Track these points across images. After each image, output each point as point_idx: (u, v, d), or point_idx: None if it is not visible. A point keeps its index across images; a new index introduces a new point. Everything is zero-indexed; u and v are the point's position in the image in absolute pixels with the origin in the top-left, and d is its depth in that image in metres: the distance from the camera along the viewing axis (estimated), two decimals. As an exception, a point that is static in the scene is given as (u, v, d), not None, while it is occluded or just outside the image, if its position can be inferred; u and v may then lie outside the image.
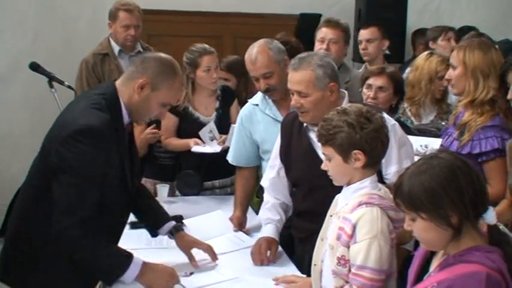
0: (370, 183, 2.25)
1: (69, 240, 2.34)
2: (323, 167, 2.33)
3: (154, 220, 2.87)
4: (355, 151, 2.19)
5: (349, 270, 2.17)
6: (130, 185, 2.57)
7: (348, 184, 2.28)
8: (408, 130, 3.45)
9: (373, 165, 2.26)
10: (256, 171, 3.43)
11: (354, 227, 2.15)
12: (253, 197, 3.72)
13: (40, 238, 2.42)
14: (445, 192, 1.72)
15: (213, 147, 3.73)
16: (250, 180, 3.36)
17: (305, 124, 2.80)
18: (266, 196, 3.04)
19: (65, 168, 2.32)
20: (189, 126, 3.84)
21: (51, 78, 3.90)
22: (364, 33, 4.69)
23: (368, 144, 2.18)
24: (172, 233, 2.82)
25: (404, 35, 5.94)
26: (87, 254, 2.36)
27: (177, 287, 2.49)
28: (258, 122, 3.26)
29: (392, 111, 3.52)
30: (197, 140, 3.78)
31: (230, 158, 3.43)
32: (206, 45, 3.87)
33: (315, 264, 2.41)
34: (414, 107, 3.72)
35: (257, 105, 3.27)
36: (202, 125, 3.84)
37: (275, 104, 3.24)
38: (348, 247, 2.17)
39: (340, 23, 4.07)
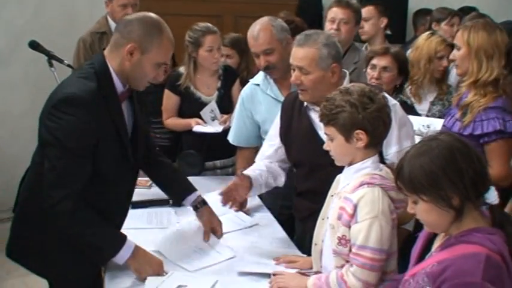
0: (372, 164, 2.25)
1: (61, 215, 2.31)
2: (325, 147, 2.33)
3: (178, 191, 2.92)
4: (358, 131, 2.19)
5: (350, 250, 2.19)
6: (130, 153, 2.52)
7: (350, 164, 2.29)
8: (411, 110, 3.45)
9: (375, 146, 2.27)
10: (257, 152, 3.41)
11: (355, 207, 2.16)
12: None
13: (45, 215, 2.40)
14: (444, 174, 1.73)
15: (214, 127, 3.74)
16: (250, 160, 3.31)
17: (305, 104, 2.78)
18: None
19: (52, 141, 2.29)
20: (190, 106, 3.84)
21: (51, 57, 3.88)
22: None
23: (370, 124, 2.18)
24: (197, 208, 2.86)
25: (405, 15, 5.91)
26: (80, 229, 2.35)
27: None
28: (259, 103, 3.25)
29: (397, 91, 3.51)
30: (198, 120, 3.78)
31: (231, 138, 3.44)
32: (209, 25, 3.85)
33: (315, 244, 2.43)
34: (414, 87, 3.72)
35: (258, 85, 3.26)
36: (203, 104, 3.84)
37: (276, 84, 3.23)
38: (349, 227, 2.18)
39: (351, 3, 4.04)
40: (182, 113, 3.91)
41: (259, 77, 3.31)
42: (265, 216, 3.18)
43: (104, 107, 2.36)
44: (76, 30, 4.79)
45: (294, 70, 2.73)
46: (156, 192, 3.44)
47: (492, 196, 1.77)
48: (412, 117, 3.05)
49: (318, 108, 2.70)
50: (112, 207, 2.51)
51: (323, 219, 2.40)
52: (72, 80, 2.41)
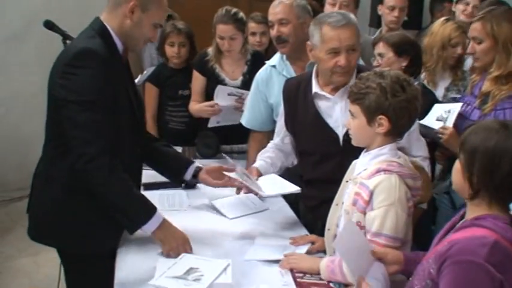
0: (389, 151, 2.23)
1: (99, 171, 2.31)
2: (346, 124, 2.33)
3: (175, 167, 2.90)
4: (381, 116, 2.17)
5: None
6: (138, 115, 2.57)
7: (367, 150, 2.27)
8: (432, 94, 3.39)
9: (396, 134, 2.24)
10: (270, 135, 3.36)
11: (371, 194, 2.15)
12: None
13: (62, 186, 2.42)
14: (481, 158, 1.74)
15: (231, 118, 3.69)
16: (264, 143, 3.30)
17: (313, 92, 2.76)
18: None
19: (72, 97, 2.28)
20: (215, 88, 3.78)
21: (66, 37, 3.85)
22: (398, 0, 4.51)
23: (395, 113, 2.16)
24: (195, 175, 2.87)
25: (422, 1, 5.85)
26: (116, 189, 2.36)
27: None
28: (273, 85, 3.23)
29: (411, 75, 3.38)
30: (212, 107, 3.72)
31: (244, 120, 3.42)
32: (230, 12, 3.72)
33: (328, 229, 2.43)
34: (427, 73, 3.66)
35: (274, 66, 3.24)
36: None
37: (292, 65, 3.23)
38: (364, 213, 2.17)
39: None
40: (208, 94, 3.85)
41: (276, 58, 3.30)
42: (277, 201, 3.16)
43: (113, 63, 2.40)
44: (90, 12, 4.74)
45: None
46: (168, 175, 3.45)
47: None
48: (435, 106, 3.06)
49: (328, 96, 2.69)
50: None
51: (337, 204, 2.39)
52: (76, 41, 2.44)
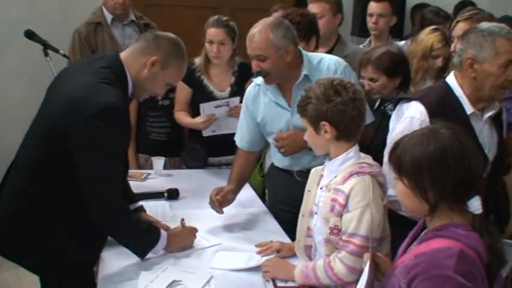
0: (355, 153, 2.30)
1: (111, 222, 2.41)
2: (304, 137, 2.39)
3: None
4: (323, 122, 2.25)
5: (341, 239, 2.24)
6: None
7: (330, 157, 2.34)
8: None
9: (348, 138, 2.29)
10: (258, 156, 3.32)
11: (347, 197, 2.20)
12: (256, 176, 3.71)
13: (43, 210, 2.42)
14: (429, 168, 1.75)
15: (228, 126, 3.67)
16: (249, 163, 3.19)
17: (470, 111, 2.59)
18: None
19: (91, 145, 2.31)
20: (203, 99, 3.77)
21: (46, 46, 3.85)
22: (376, 7, 4.54)
23: (335, 116, 2.23)
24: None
25: (403, 10, 5.88)
26: (126, 234, 2.47)
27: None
28: (259, 103, 3.11)
29: (402, 89, 3.38)
30: (205, 120, 3.70)
31: (237, 139, 3.25)
32: (220, 19, 3.74)
33: (298, 241, 2.49)
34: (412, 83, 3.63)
35: (259, 85, 3.12)
36: (215, 99, 3.77)
37: (278, 87, 3.05)
38: (340, 216, 2.22)
39: None
40: (194, 104, 3.84)
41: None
42: (258, 208, 3.22)
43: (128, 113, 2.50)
44: (72, 21, 4.76)
45: (252, 59, 2.86)
46: (150, 185, 3.45)
47: (474, 206, 1.78)
48: None
49: (480, 116, 2.64)
50: None
51: (303, 215, 2.45)
52: (96, 85, 2.38)
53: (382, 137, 3.06)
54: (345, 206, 2.20)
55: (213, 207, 2.94)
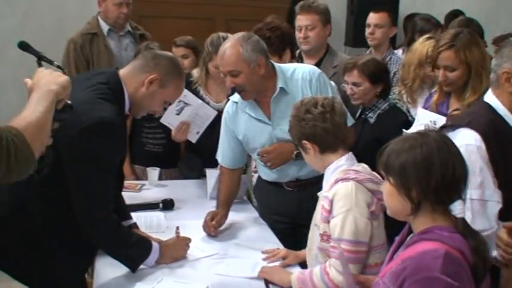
0: (347, 161, 2.36)
1: (102, 235, 2.43)
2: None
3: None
4: (303, 142, 2.37)
5: None
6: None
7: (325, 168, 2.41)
8: (405, 118, 3.40)
9: (333, 149, 2.38)
10: (242, 172, 3.28)
11: (331, 203, 2.26)
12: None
13: (32, 219, 2.39)
14: (415, 167, 1.78)
15: (204, 120, 3.59)
16: (234, 181, 3.17)
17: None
18: None
19: (84, 158, 2.31)
20: None
21: (41, 58, 3.82)
22: (373, 17, 4.56)
23: (310, 133, 2.35)
24: None
25: (396, 20, 5.90)
26: (116, 247, 2.49)
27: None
28: (239, 121, 3.08)
29: (382, 97, 3.43)
30: (176, 132, 3.63)
31: (219, 158, 3.22)
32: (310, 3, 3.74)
33: (310, 249, 2.50)
34: (406, 90, 3.64)
35: (237, 102, 3.08)
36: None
37: (255, 101, 3.02)
38: (328, 223, 2.28)
39: (313, 6, 3.93)
40: None
41: (237, 94, 3.03)
42: (250, 215, 3.24)
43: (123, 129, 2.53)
44: (66, 32, 4.76)
45: (225, 76, 2.85)
46: (145, 196, 3.44)
47: (457, 209, 1.81)
48: (421, 112, 3.04)
49: None
50: None
51: (315, 225, 2.44)
52: (96, 101, 2.39)
53: (363, 145, 3.08)
54: (330, 212, 2.26)
55: (207, 232, 2.94)
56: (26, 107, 1.82)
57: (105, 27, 4.47)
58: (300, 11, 3.93)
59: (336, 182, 2.28)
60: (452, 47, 2.87)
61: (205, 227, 2.94)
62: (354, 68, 3.38)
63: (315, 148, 2.36)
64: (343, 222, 2.21)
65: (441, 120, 2.91)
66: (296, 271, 2.43)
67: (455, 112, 2.91)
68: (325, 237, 2.30)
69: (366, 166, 2.36)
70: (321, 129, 2.33)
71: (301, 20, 3.90)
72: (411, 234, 1.90)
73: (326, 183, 2.37)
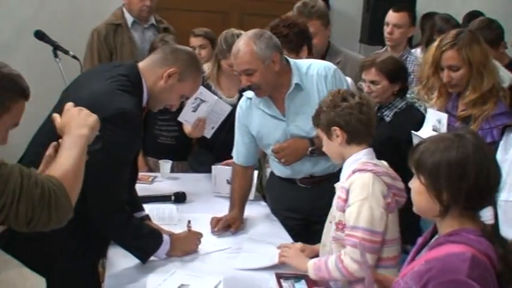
0: (365, 155, 2.39)
1: (116, 225, 2.44)
2: (323, 148, 2.51)
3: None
4: (333, 128, 2.38)
5: None
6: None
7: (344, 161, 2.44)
8: (422, 116, 3.36)
9: (359, 141, 2.40)
10: (254, 169, 3.27)
11: (348, 192, 2.30)
12: None
13: None
14: (448, 170, 1.75)
15: (219, 115, 3.60)
16: (247, 180, 3.15)
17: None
18: None
19: (101, 148, 2.28)
20: None
21: (56, 47, 3.85)
22: (393, 17, 4.47)
23: (343, 120, 2.37)
24: None
25: (414, 19, 5.86)
26: (128, 238, 2.49)
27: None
28: (252, 117, 3.06)
29: (399, 95, 3.40)
30: (192, 130, 3.63)
31: (234, 155, 3.21)
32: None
33: (324, 245, 2.51)
34: (424, 88, 3.59)
35: (250, 98, 3.06)
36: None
37: (269, 97, 3.00)
38: (344, 212, 2.31)
39: (312, 11, 3.86)
40: None
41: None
42: (262, 210, 3.25)
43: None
44: (81, 22, 4.77)
45: (240, 76, 2.84)
46: (157, 188, 3.44)
47: (486, 215, 1.77)
48: (429, 112, 3.02)
49: None
50: None
51: (330, 222, 2.46)
52: (112, 91, 2.40)
53: (378, 143, 3.05)
54: (346, 201, 2.30)
55: (212, 227, 2.93)
56: (59, 153, 1.90)
57: (129, 19, 4.46)
58: (300, 17, 3.79)
59: (353, 172, 2.32)
60: (454, 46, 2.85)
61: (214, 224, 2.92)
62: (372, 66, 3.35)
63: (343, 136, 2.37)
64: (358, 210, 2.24)
65: (444, 118, 2.89)
66: (313, 259, 2.44)
67: (463, 113, 2.90)
68: (340, 226, 2.32)
69: (384, 163, 2.39)
70: (356, 118, 2.37)
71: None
72: (436, 236, 1.87)
73: (343, 176, 2.40)
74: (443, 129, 2.88)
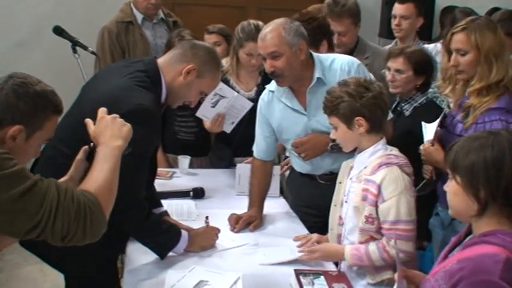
0: (383, 146, 2.47)
1: (132, 222, 2.44)
2: (331, 136, 2.56)
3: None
4: (357, 118, 2.41)
5: (377, 227, 2.40)
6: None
7: (359, 150, 2.50)
8: (441, 111, 3.32)
9: (377, 130, 2.47)
10: (273, 164, 3.25)
11: (379, 187, 2.37)
12: None
13: None
14: (485, 168, 1.72)
15: (239, 111, 3.56)
16: (266, 176, 3.13)
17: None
18: None
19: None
20: None
21: (75, 43, 3.86)
22: (399, 8, 4.45)
23: (368, 111, 2.41)
24: None
25: (432, 13, 5.82)
26: (146, 234, 2.49)
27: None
28: (274, 109, 3.04)
29: (421, 90, 3.37)
30: (212, 125, 3.60)
31: (254, 149, 3.19)
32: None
33: (331, 229, 2.61)
34: (445, 82, 3.52)
35: (273, 91, 3.05)
36: None
37: (291, 90, 2.98)
38: (375, 206, 2.38)
39: (343, 10, 3.80)
40: None
41: (274, 83, 3.01)
42: (281, 206, 3.24)
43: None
44: (99, 17, 4.76)
45: (265, 60, 2.84)
46: (176, 184, 3.44)
47: None
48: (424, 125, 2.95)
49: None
50: None
51: (335, 205, 2.59)
52: (131, 87, 2.41)
53: (396, 136, 3.03)
54: (378, 196, 2.37)
55: (232, 225, 2.92)
56: (94, 164, 1.89)
57: (139, 16, 4.43)
58: (330, 15, 3.76)
59: (380, 166, 2.39)
60: (465, 29, 2.75)
61: (233, 222, 2.91)
62: (401, 54, 3.32)
63: (366, 126, 2.42)
64: (398, 205, 2.34)
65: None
66: (347, 246, 2.48)
67: (467, 102, 2.81)
68: (370, 219, 2.39)
69: (397, 149, 2.48)
70: (379, 108, 2.44)
71: (334, 26, 3.72)
72: (470, 235, 1.85)
73: (360, 165, 2.47)
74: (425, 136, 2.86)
